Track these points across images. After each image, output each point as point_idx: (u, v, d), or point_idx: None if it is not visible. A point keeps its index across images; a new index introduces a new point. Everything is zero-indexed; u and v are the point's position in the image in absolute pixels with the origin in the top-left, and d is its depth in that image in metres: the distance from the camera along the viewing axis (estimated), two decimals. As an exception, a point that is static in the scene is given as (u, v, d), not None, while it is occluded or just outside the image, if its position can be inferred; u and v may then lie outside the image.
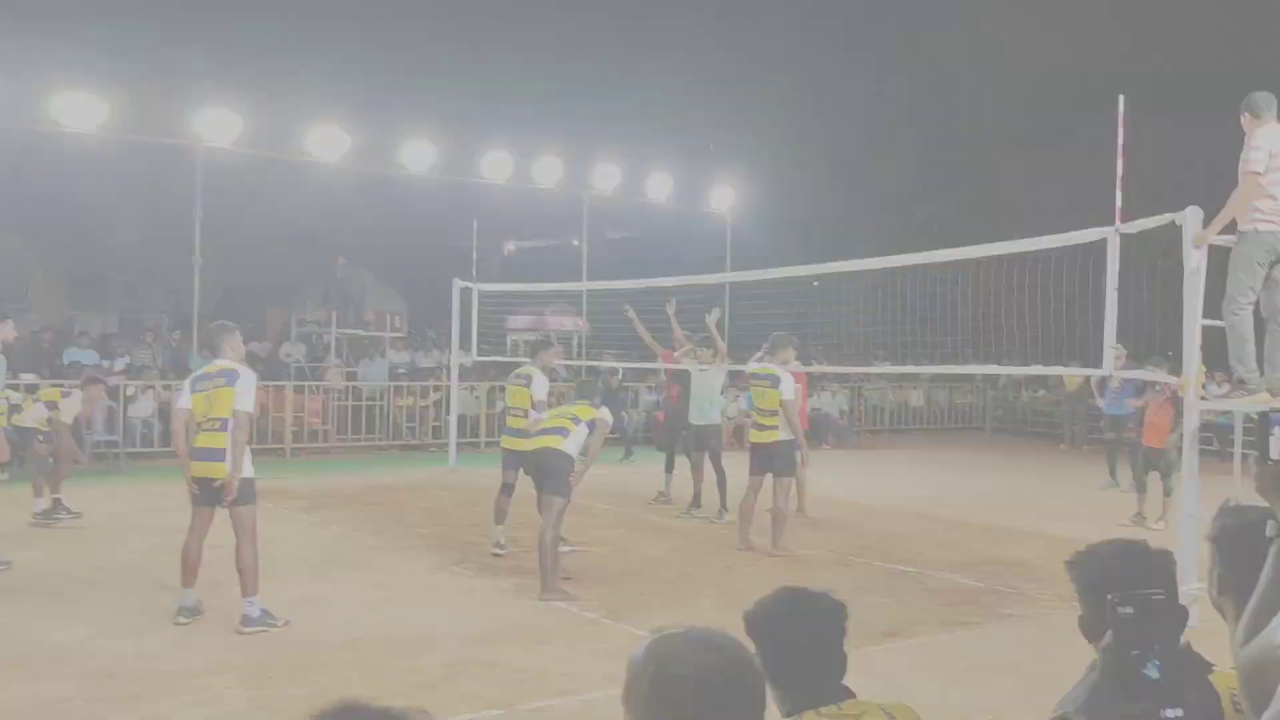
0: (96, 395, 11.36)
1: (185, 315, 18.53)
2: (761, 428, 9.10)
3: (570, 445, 7.47)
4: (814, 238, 27.90)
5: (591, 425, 7.58)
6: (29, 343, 18.35)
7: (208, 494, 6.34)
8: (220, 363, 6.48)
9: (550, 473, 7.39)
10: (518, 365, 9.80)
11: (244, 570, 6.28)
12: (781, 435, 8.96)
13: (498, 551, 8.49)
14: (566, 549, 8.01)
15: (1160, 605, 1.63)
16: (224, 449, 6.22)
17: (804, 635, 2.18)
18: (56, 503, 9.86)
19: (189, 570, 6.34)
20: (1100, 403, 13.52)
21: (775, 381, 9.03)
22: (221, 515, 6.41)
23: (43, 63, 15.90)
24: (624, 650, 5.80)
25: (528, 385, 8.80)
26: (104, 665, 5.43)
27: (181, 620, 6.21)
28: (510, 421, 8.98)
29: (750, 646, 1.75)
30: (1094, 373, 9.91)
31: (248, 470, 6.30)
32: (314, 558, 8.33)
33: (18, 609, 6.52)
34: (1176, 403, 10.71)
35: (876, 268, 11.64)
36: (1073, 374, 16.08)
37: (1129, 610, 1.59)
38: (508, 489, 8.70)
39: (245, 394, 6.31)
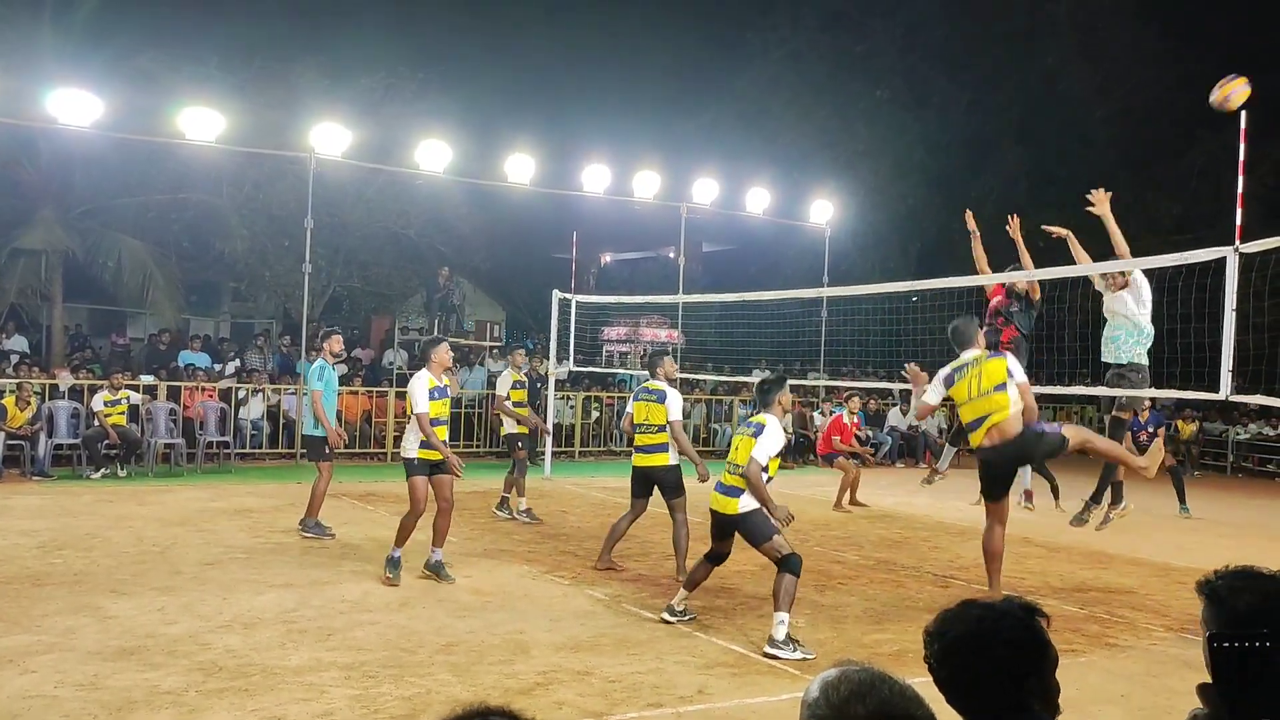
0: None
1: (294, 321, 19.15)
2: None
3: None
4: (913, 252, 27.47)
5: None
6: (147, 345, 19.23)
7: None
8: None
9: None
10: (611, 375, 9.89)
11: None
12: (670, 459, 8.36)
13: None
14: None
15: (1266, 652, 1.48)
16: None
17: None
18: (504, 501, 10.96)
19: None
20: None
21: (663, 397, 8.37)
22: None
23: (170, 79, 16.66)
24: (714, 664, 5.76)
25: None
26: (214, 659, 5.63)
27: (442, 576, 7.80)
28: None
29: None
30: (1212, 396, 9.52)
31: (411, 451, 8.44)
32: (411, 561, 8.50)
33: (133, 602, 6.81)
34: None
35: (979, 284, 11.41)
36: (1184, 396, 15.48)
37: (1227, 648, 1.48)
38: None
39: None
